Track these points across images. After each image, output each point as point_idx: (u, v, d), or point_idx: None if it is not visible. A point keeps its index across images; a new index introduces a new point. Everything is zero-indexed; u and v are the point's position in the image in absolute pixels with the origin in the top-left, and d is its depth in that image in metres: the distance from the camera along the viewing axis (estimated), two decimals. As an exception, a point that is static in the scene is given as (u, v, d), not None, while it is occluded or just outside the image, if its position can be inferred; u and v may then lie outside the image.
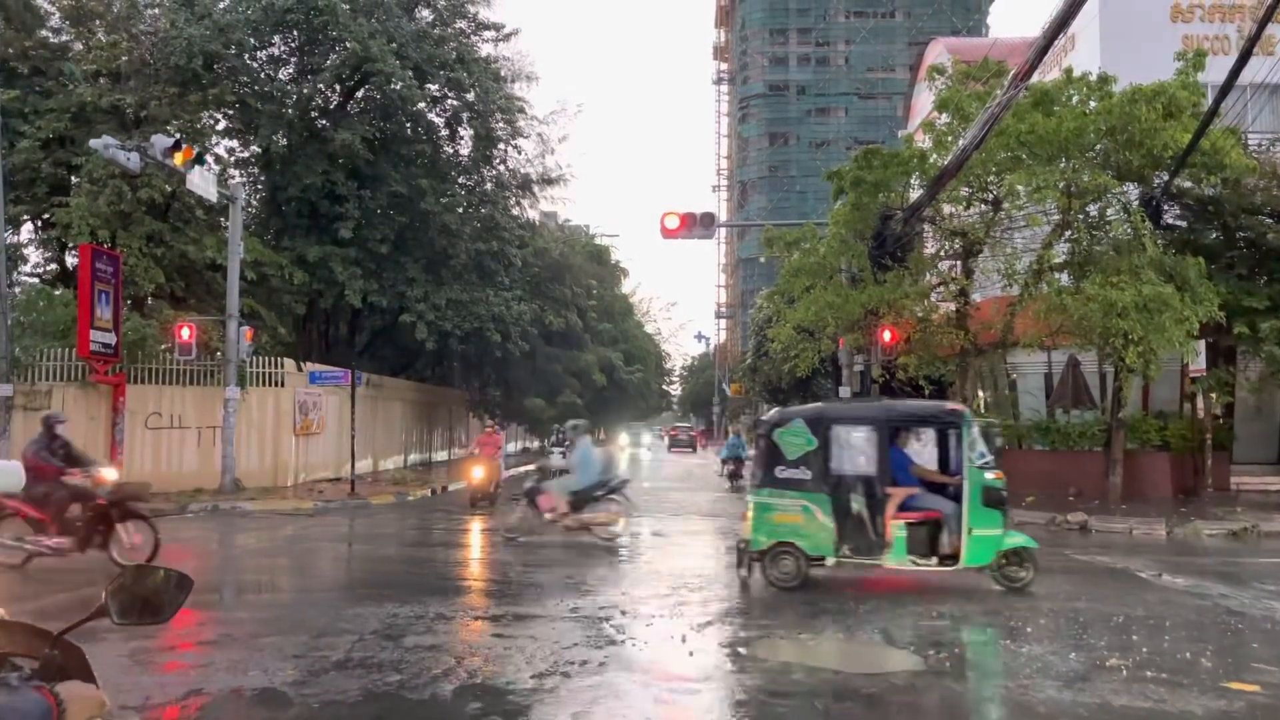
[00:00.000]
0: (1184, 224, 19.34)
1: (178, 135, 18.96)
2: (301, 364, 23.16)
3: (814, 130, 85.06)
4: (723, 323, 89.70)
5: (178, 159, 16.25)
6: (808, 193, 73.56)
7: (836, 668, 6.19)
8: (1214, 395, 18.58)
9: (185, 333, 19.18)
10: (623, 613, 7.85)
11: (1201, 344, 17.68)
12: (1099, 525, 15.74)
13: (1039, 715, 5.14)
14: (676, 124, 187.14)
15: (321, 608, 8.28)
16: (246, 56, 25.16)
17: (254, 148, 26.83)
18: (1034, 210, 18.09)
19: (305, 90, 25.82)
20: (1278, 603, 8.55)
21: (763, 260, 22.63)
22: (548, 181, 32.53)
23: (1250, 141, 20.04)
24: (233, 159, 27.48)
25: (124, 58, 22.76)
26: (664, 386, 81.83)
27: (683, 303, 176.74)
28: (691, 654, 6.48)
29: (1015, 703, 5.37)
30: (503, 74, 28.96)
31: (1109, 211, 17.87)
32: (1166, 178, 17.16)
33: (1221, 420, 20.16)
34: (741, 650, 6.64)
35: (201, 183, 18.36)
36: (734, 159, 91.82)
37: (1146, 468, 19.27)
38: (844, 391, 23.17)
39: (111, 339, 18.39)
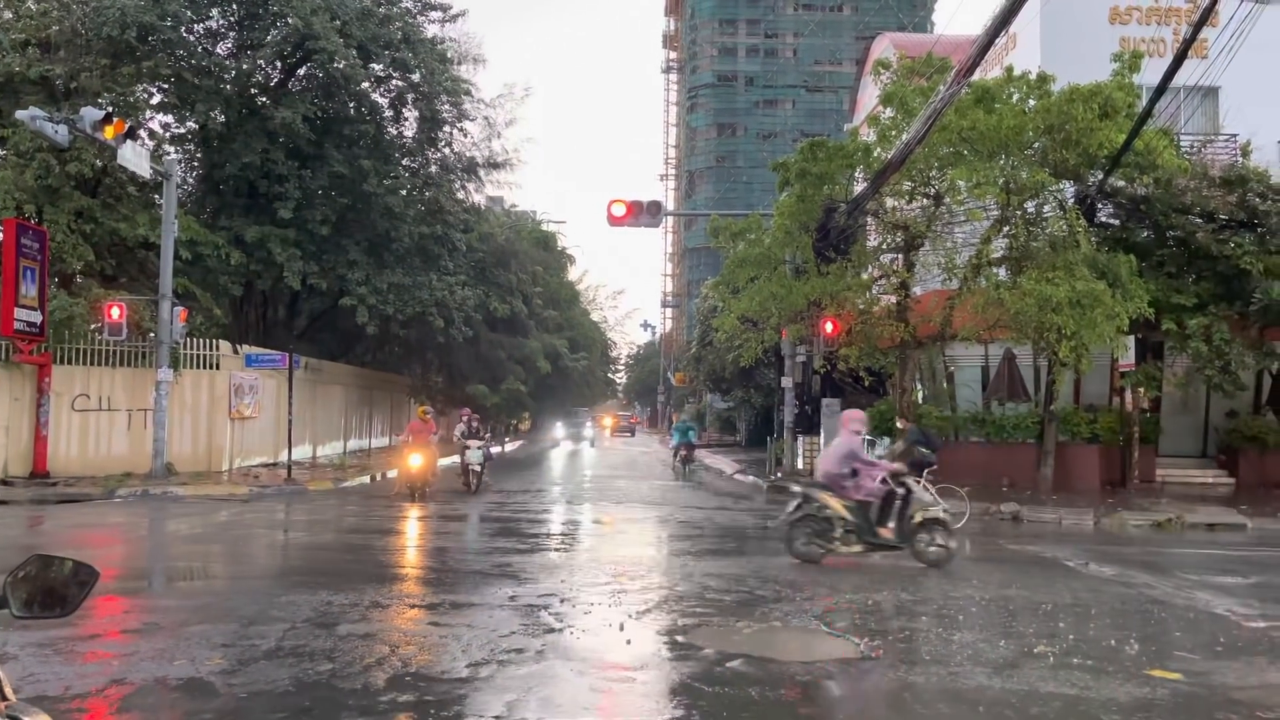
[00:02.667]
0: (1117, 222, 19.82)
1: (109, 108, 18.36)
2: (238, 346, 22.66)
3: (761, 122, 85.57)
4: (669, 312, 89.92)
5: (108, 132, 15.74)
6: (754, 184, 74.02)
7: (772, 655, 6.22)
8: (1142, 390, 19.09)
9: (115, 312, 18.63)
10: (562, 601, 7.82)
11: (1131, 340, 18.19)
12: (1030, 515, 16.11)
13: (968, 702, 5.22)
14: (625, 111, 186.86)
15: (253, 595, 8.11)
16: (183, 29, 24.44)
17: (190, 124, 26.13)
18: (974, 205, 18.37)
19: (244, 66, 25.20)
20: (1200, 592, 8.82)
21: (712, 245, 22.61)
22: (494, 165, 32.23)
23: (1182, 143, 20.60)
24: (168, 135, 26.68)
25: (54, 27, 21.98)
26: (609, 375, 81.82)
27: (629, 291, 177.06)
28: (629, 642, 6.47)
29: (945, 690, 5.46)
30: (449, 55, 28.58)
31: (1046, 209, 18.26)
32: (1101, 176, 17.56)
33: (1149, 414, 20.75)
34: (679, 638, 6.64)
35: (134, 158, 17.82)
36: (682, 148, 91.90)
37: (1077, 459, 19.77)
38: (786, 382, 23.37)
39: (37, 317, 17.79)
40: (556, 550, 11.15)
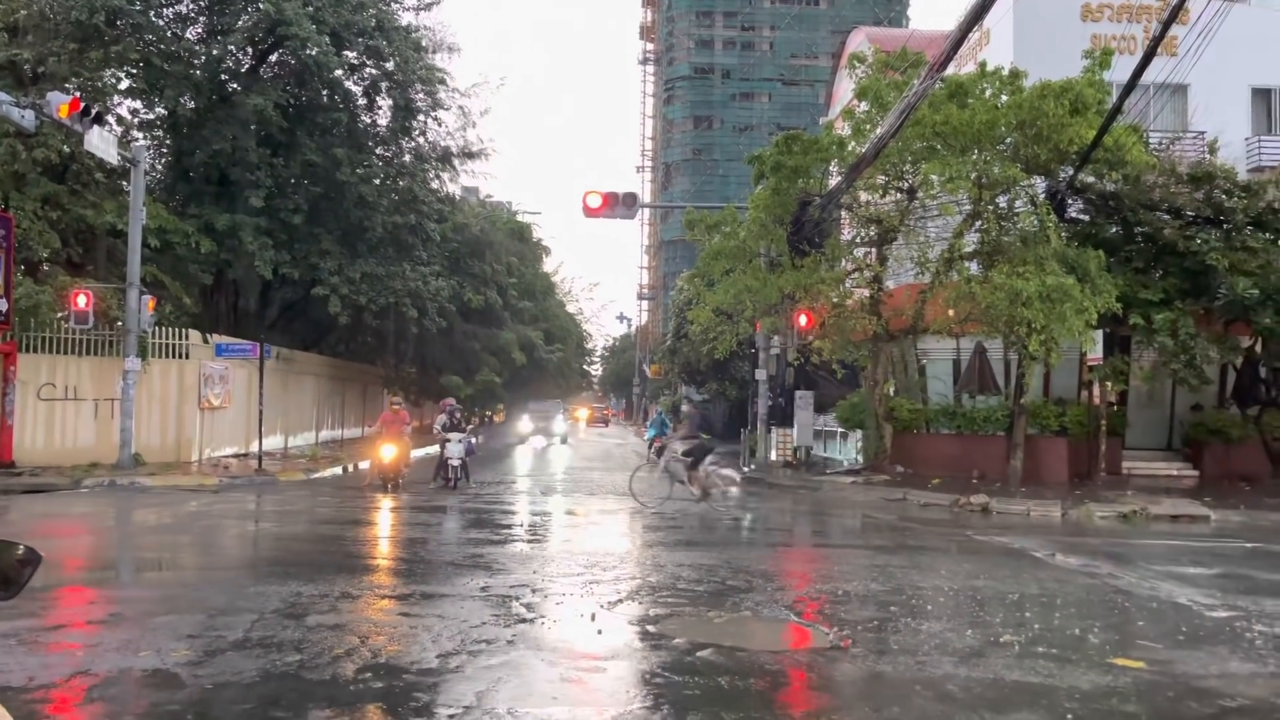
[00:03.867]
0: (1086, 218, 20.03)
1: (76, 94, 18.09)
2: (208, 336, 22.43)
3: (738, 114, 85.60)
4: (645, 304, 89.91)
5: (63, 110, 15.50)
6: (730, 177, 74.10)
7: (742, 645, 6.25)
8: (1109, 383, 19.32)
9: (82, 300, 18.37)
10: (533, 591, 7.82)
11: (1099, 334, 18.39)
12: (999, 507, 16.26)
13: (935, 690, 5.28)
14: (602, 103, 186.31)
15: (220, 586, 8.04)
16: (152, 13, 24.13)
17: (159, 110, 25.81)
18: (947, 200, 18.53)
19: (215, 52, 24.89)
20: (1163, 582, 8.95)
21: (688, 238, 22.64)
22: (468, 155, 32.07)
23: (1151, 139, 20.85)
24: (136, 121, 26.37)
25: (22, 11, 21.64)
26: (585, 366, 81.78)
27: (605, 284, 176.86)
28: (600, 632, 6.48)
29: (912, 678, 5.51)
30: (423, 44, 28.42)
31: (1017, 204, 18.41)
32: (1072, 172, 17.74)
33: (1116, 407, 21.01)
34: (650, 628, 6.66)
35: (101, 144, 17.56)
36: (659, 140, 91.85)
37: (1045, 452, 19.99)
38: (760, 374, 23.46)
39: (2, 305, 17.55)
40: (529, 541, 11.15)
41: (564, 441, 40.17)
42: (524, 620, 6.80)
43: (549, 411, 43.77)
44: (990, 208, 17.91)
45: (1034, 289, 16.07)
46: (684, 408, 18.82)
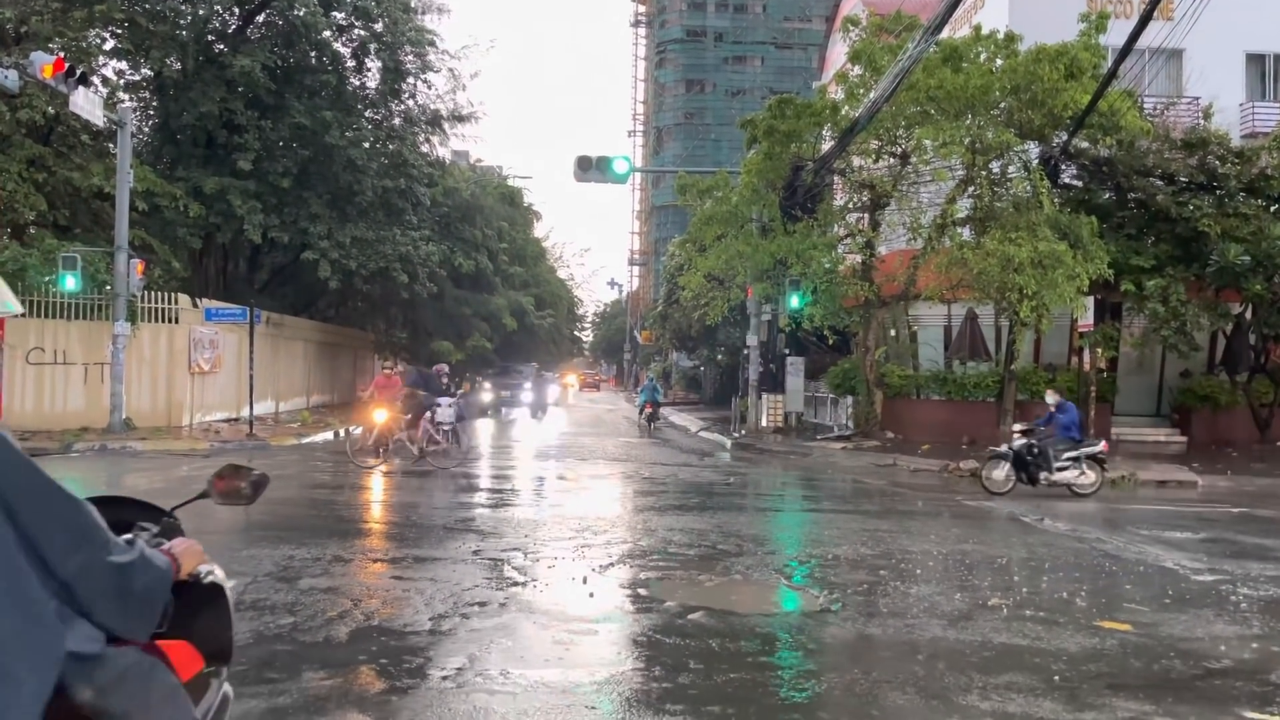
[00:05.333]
0: (1079, 184, 19.99)
1: (60, 54, 17.81)
2: (197, 300, 22.29)
3: (730, 79, 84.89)
4: (636, 270, 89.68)
5: (46, 71, 15.27)
6: (722, 141, 73.66)
7: (733, 608, 6.30)
8: (1100, 349, 19.38)
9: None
10: (525, 555, 7.85)
11: (1090, 300, 18.41)
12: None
13: (923, 652, 5.33)
14: (593, 66, 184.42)
15: (212, 550, 7.96)
16: (136, -28, 23.70)
17: (145, 71, 25.46)
18: (940, 165, 18.47)
19: (201, 12, 24.52)
20: (1150, 547, 9.04)
21: (680, 203, 22.47)
22: (458, 118, 31.76)
23: (1146, 105, 20.76)
24: (122, 82, 26.02)
25: (2, -32, 21.19)
26: (576, 332, 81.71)
27: (596, 249, 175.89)
28: (592, 595, 6.52)
29: (901, 641, 5.56)
30: (412, 5, 28.04)
31: (1010, 169, 18.36)
32: (1066, 137, 17.67)
33: (1105, 374, 21.10)
34: (642, 591, 6.71)
35: (86, 105, 17.32)
36: (650, 104, 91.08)
37: (1035, 417, 20.00)
38: (751, 340, 23.46)
39: (-13, 269, 17.35)
40: (521, 506, 11.18)
41: (535, 415, 31.93)
42: (516, 584, 6.84)
43: (517, 379, 35.11)
44: (983, 173, 17.85)
45: (1026, 255, 16.07)
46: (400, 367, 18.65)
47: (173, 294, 21.55)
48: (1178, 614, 6.36)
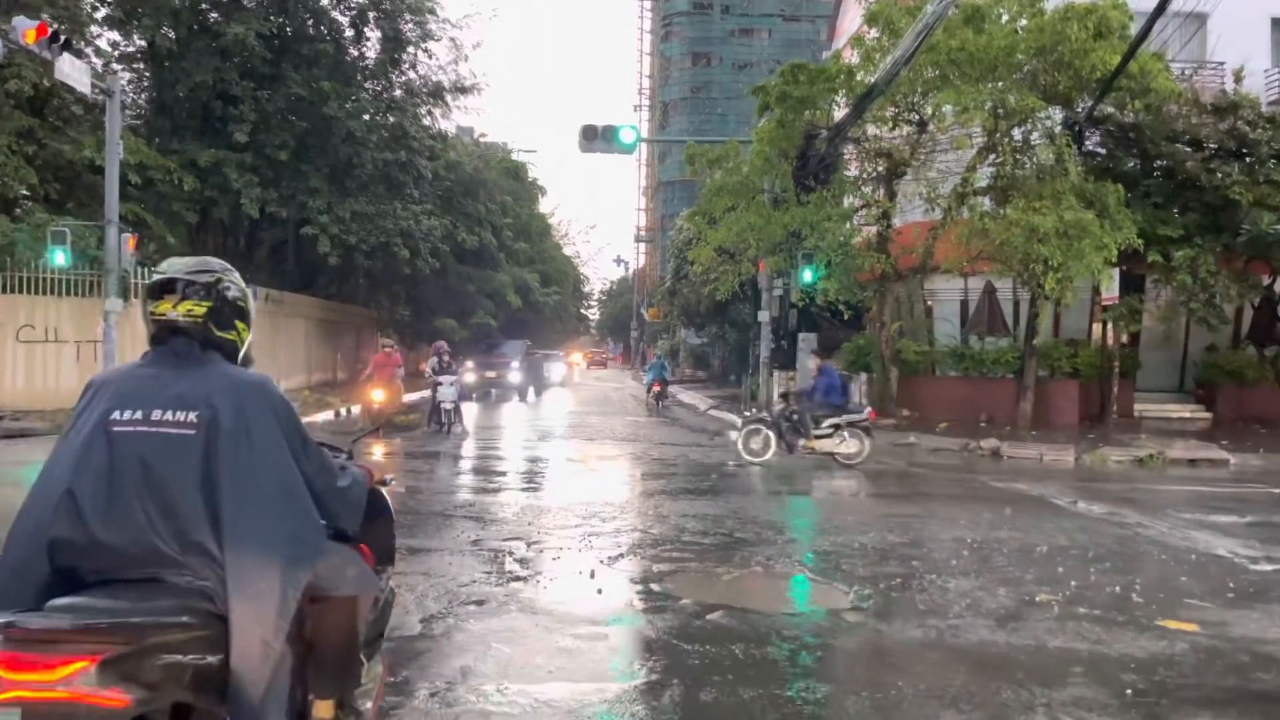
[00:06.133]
0: (1102, 151, 19.23)
1: (53, 26, 17.14)
2: (192, 277, 21.68)
3: (737, 51, 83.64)
4: (642, 247, 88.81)
5: (29, 36, 14.62)
6: (729, 115, 72.59)
7: (755, 606, 5.73)
8: (1124, 324, 18.71)
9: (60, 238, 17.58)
10: (528, 545, 7.28)
11: (1115, 272, 17.74)
12: (1010, 451, 15.77)
13: (973, 660, 4.75)
14: (598, 40, 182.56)
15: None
16: (126, -63, 22.98)
17: (139, 41, 24.79)
18: (960, 133, 17.76)
19: (193, -24, 23.79)
20: (1196, 532, 8.44)
21: (689, 174, 21.67)
22: (461, 90, 31.05)
23: (1171, 70, 19.94)
24: (116, 54, 25.36)
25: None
26: (582, 310, 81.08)
27: (602, 226, 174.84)
28: (601, 591, 5.94)
29: (946, 646, 4.98)
30: (413, -30, 27.26)
31: (1034, 136, 17.61)
32: (1093, 100, 16.89)
33: (1127, 348, 20.43)
34: (655, 587, 6.13)
35: (73, 72, 16.62)
36: (656, 79, 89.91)
37: (1056, 394, 19.46)
38: (763, 316, 22.80)
39: (-27, 244, 16.78)
40: (524, 490, 10.60)
41: (525, 399, 28.63)
42: (518, 578, 6.27)
43: (503, 359, 30.31)
44: (1006, 140, 17.10)
45: (1051, 225, 15.37)
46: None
47: (167, 270, 20.94)
48: (1246, 611, 5.77)
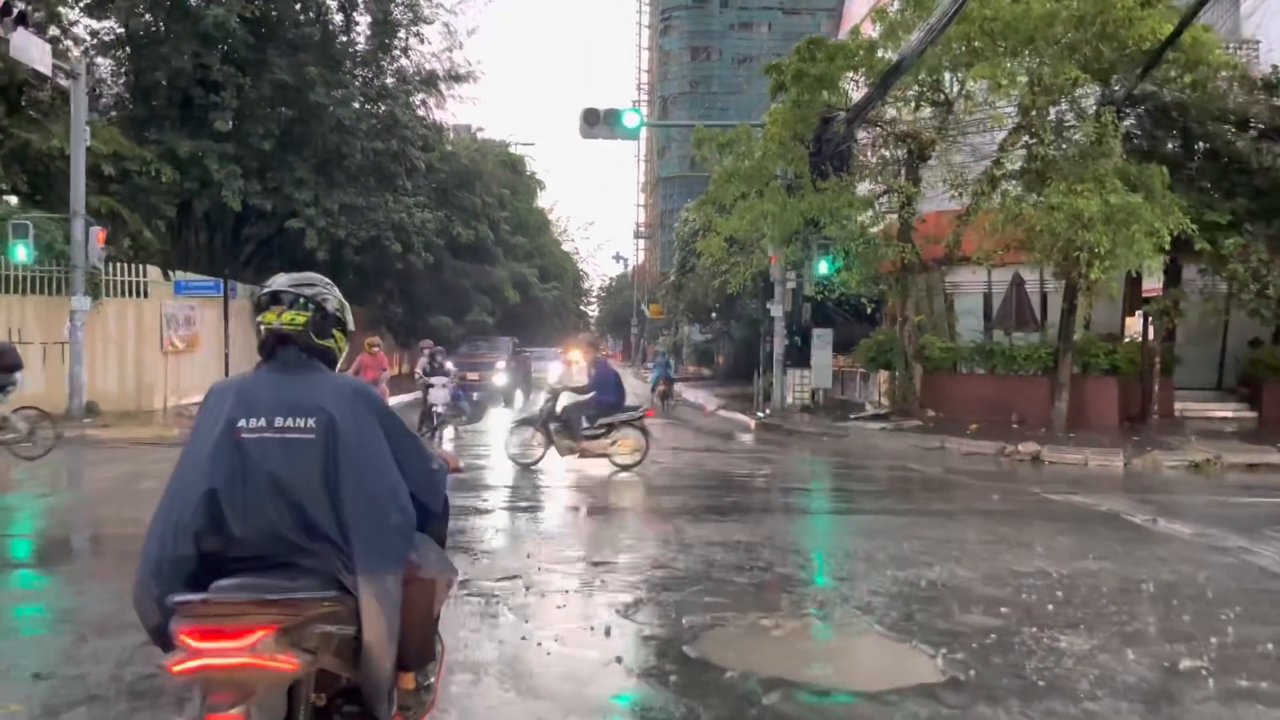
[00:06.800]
0: (1139, 132, 17.91)
1: (19, 5, 15.87)
2: (170, 272, 20.40)
3: (736, 45, 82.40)
4: (641, 243, 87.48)
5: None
6: (730, 110, 71.15)
7: (821, 680, 4.44)
8: (1168, 316, 17.42)
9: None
10: (527, 588, 5.97)
11: (1160, 261, 16.42)
12: (1052, 456, 14.52)
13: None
14: (596, 34, 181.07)
15: (107, 596, 6.20)
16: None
17: (118, 29, 23.48)
18: (991, 113, 16.50)
19: (169, -45, 22.46)
20: (1315, 559, 7.16)
21: (698, 158, 20.23)
22: (455, 78, 29.67)
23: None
24: (95, 41, 24.07)
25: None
26: (582, 307, 79.77)
27: (600, 224, 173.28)
28: (620, 660, 4.65)
29: (1090, 743, 3.68)
30: (402, -49, 25.93)
31: (1070, 115, 16.30)
32: (1140, 72, 15.55)
33: (1166, 344, 19.13)
34: (688, 650, 4.83)
35: (30, 49, 15.40)
36: (655, 73, 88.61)
37: (1093, 393, 18.16)
38: (776, 310, 21.49)
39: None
40: (522, 510, 9.27)
41: (509, 404, 24.41)
42: (513, 638, 4.97)
43: (487, 359, 26.70)
44: (1043, 118, 15.78)
45: (1096, 209, 14.06)
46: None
47: (141, 265, 19.66)
48: None
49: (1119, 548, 7.54)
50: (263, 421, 2.58)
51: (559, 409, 12.06)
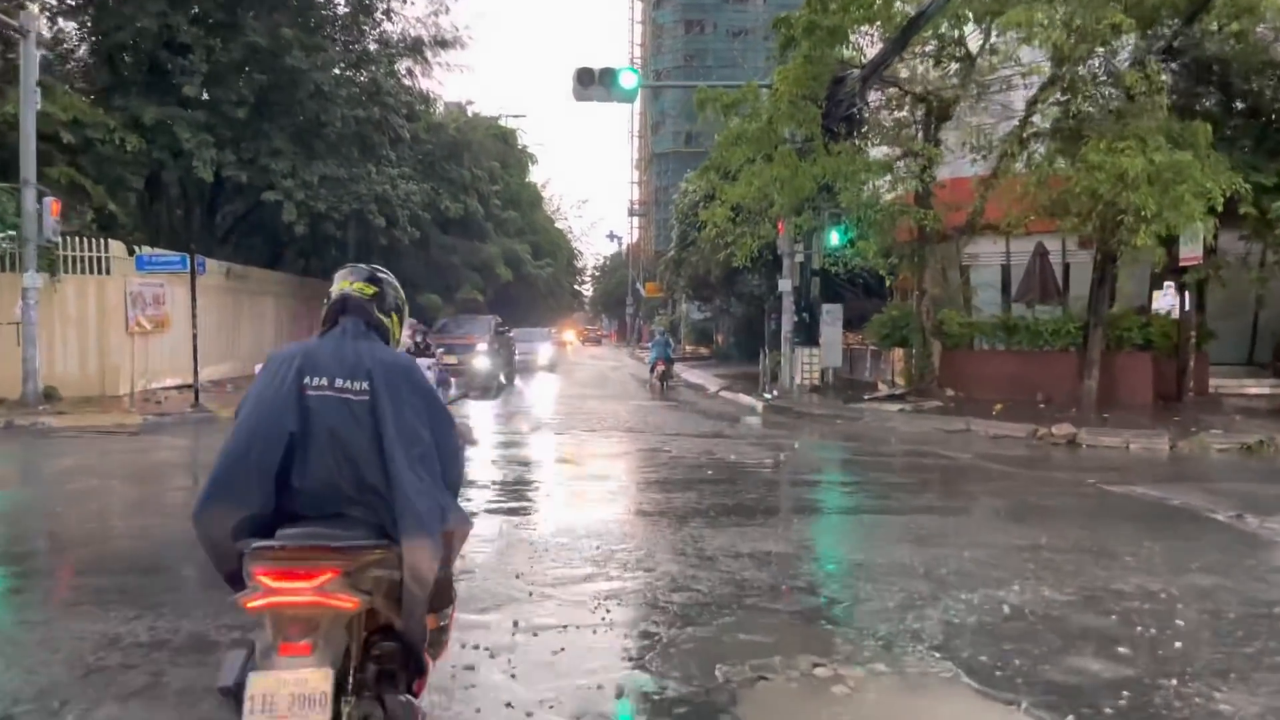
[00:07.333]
0: (1180, 87, 16.64)
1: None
2: (135, 248, 19.05)
3: (731, 18, 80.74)
4: (636, 221, 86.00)
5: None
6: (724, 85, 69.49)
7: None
8: (1211, 285, 16.21)
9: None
10: (516, 623, 4.74)
11: (1199, 226, 15.17)
12: (1089, 439, 13.32)
13: None
14: (588, 7, 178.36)
15: (31, 626, 4.96)
16: None
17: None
18: (1016, 69, 15.22)
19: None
20: None
21: (700, 121, 18.71)
22: (441, 44, 28.23)
23: None
24: (61, 6, 22.61)
25: None
26: (576, 286, 78.42)
27: (593, 203, 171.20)
28: (639, 740, 3.43)
29: None
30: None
31: (1109, 67, 15.01)
32: (1181, 23, 14.28)
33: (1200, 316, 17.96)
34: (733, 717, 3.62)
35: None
36: (648, 47, 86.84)
37: (1126, 370, 16.98)
38: (784, 285, 20.20)
39: None
40: (509, 513, 7.98)
41: (489, 394, 21.21)
42: (501, 704, 3.75)
43: (466, 342, 23.70)
44: (1078, 70, 14.48)
45: (1141, 168, 12.80)
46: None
47: (103, 240, 18.31)
48: None
49: (1220, 555, 6.34)
50: (325, 380, 2.82)
51: None
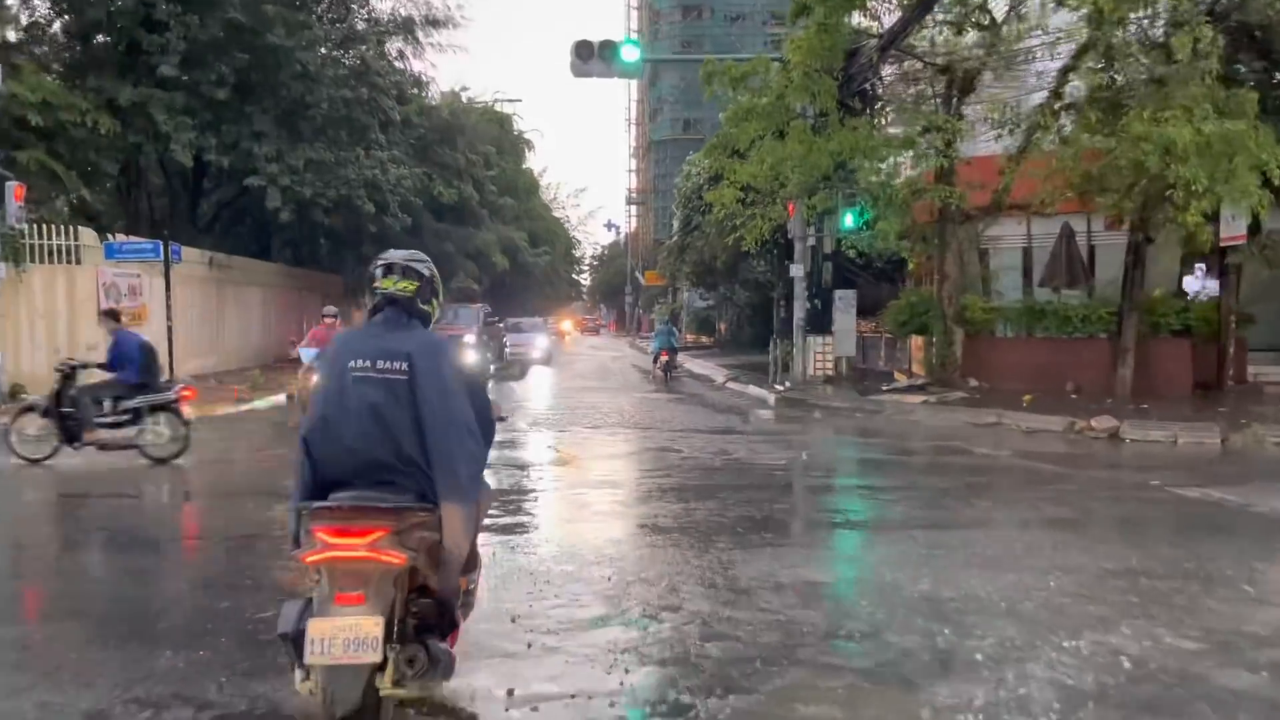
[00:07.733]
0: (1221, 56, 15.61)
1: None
2: (108, 236, 18.00)
3: (729, 3, 79.76)
4: (634, 210, 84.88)
5: None
6: (723, 70, 68.37)
7: None
8: (1261, 266, 15.19)
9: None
10: (510, 696, 3.72)
11: (1246, 204, 14.12)
12: (1132, 433, 12.31)
13: None
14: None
15: None
16: None
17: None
18: (1044, 38, 14.18)
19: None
20: None
21: (705, 96, 17.44)
22: (433, 23, 27.16)
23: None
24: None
25: None
26: (573, 275, 77.37)
27: (590, 191, 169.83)
28: None
29: None
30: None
31: (1149, 31, 13.97)
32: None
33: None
34: None
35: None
36: (645, 33, 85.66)
37: (1163, 357, 15.95)
38: (795, 270, 19.15)
39: None
40: (506, 529, 6.87)
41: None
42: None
43: (449, 334, 16.43)
44: (1118, 34, 13.42)
45: (1190, 138, 11.77)
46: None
47: (72, 228, 17.25)
48: None
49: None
50: (367, 363, 3.22)
51: (74, 390, 9.66)
